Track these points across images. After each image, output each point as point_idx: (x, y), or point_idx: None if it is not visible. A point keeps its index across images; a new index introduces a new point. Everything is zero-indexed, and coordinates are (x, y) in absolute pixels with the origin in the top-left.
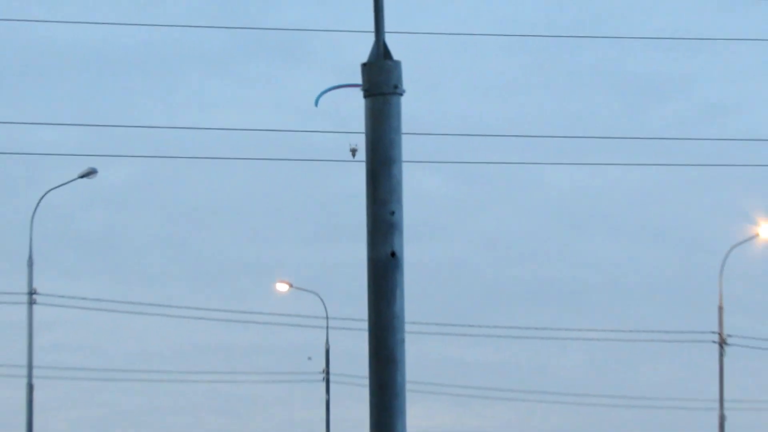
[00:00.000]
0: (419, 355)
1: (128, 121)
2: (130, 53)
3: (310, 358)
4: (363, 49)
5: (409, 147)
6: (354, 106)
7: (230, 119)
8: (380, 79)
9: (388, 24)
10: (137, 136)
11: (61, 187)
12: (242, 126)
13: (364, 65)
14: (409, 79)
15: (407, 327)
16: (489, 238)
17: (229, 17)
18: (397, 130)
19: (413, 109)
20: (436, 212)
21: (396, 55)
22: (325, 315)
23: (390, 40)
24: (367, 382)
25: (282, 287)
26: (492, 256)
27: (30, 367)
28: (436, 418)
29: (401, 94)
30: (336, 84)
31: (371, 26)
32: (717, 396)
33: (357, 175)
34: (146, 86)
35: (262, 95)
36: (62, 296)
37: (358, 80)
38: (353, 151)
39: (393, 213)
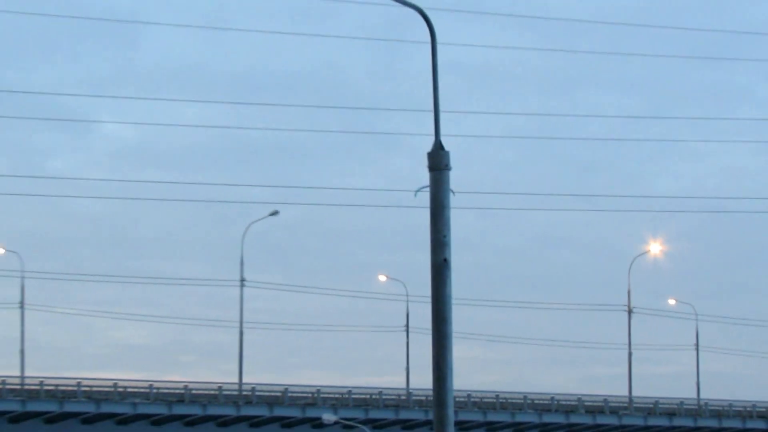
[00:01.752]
0: (462, 316)
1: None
2: (297, 146)
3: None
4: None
5: (453, 199)
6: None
7: (361, 185)
8: (438, 162)
9: (443, 129)
10: (303, 192)
11: (260, 221)
12: (362, 187)
13: (429, 153)
14: (453, 159)
15: (454, 300)
16: (496, 250)
17: (362, 127)
18: (447, 189)
19: (456, 177)
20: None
21: (448, 146)
22: (406, 294)
23: (444, 139)
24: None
25: (382, 277)
26: (496, 260)
27: (241, 322)
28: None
29: (450, 170)
30: (425, 186)
31: (434, 129)
32: (627, 341)
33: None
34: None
35: (375, 170)
36: (261, 282)
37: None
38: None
39: (445, 236)
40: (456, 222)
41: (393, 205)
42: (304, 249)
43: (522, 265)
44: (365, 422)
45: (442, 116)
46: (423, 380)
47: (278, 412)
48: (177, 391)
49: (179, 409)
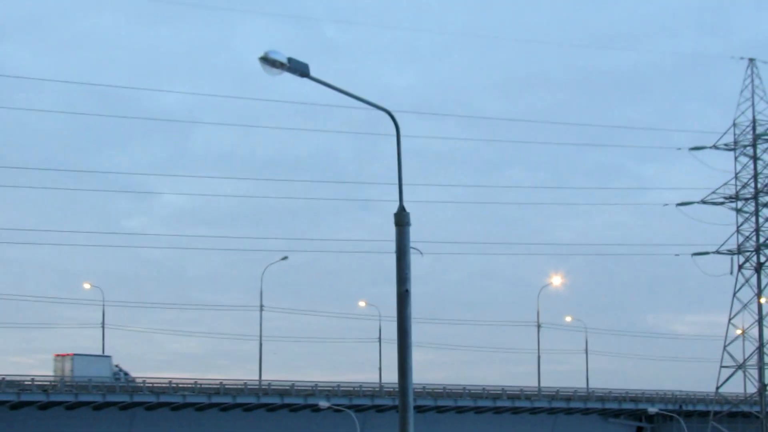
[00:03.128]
0: (420, 330)
1: (305, 236)
2: (304, 209)
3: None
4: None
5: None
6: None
7: (349, 236)
8: (401, 220)
9: (406, 196)
10: (306, 244)
11: (274, 264)
12: (352, 238)
13: (395, 214)
14: (413, 218)
15: (413, 320)
16: (445, 284)
17: (344, 194)
18: (408, 240)
19: (414, 231)
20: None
21: (409, 208)
22: (378, 315)
23: (406, 204)
24: (396, 343)
25: (362, 303)
26: (447, 292)
27: (260, 336)
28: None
29: (410, 225)
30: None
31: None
32: (536, 348)
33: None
34: (312, 223)
35: (359, 227)
36: (278, 308)
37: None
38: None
39: (406, 273)
40: (416, 263)
41: (370, 251)
42: (307, 283)
43: (462, 294)
44: (350, 407)
45: (405, 187)
46: (391, 376)
47: (287, 400)
48: (214, 386)
49: (216, 399)
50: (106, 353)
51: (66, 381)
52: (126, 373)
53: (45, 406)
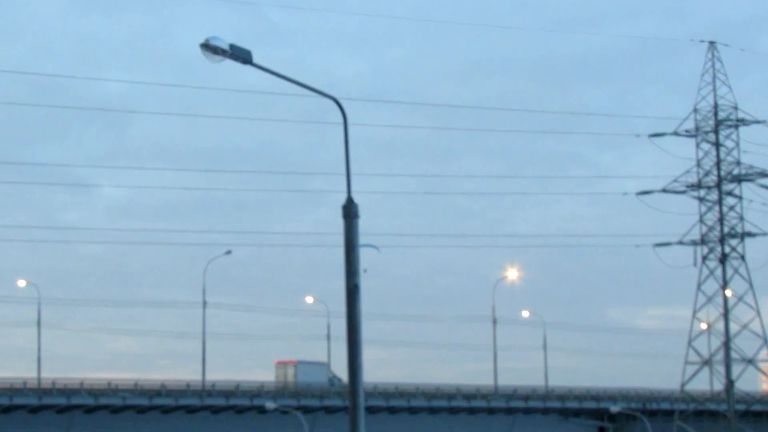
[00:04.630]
0: (370, 327)
1: (249, 229)
2: (249, 201)
3: (365, 271)
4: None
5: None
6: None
7: (293, 229)
8: (349, 212)
9: (354, 187)
10: (253, 236)
11: (217, 258)
12: (298, 231)
13: (342, 206)
14: (362, 210)
15: (363, 315)
16: (397, 278)
17: (289, 185)
18: (357, 233)
19: (363, 224)
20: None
21: (357, 199)
22: (327, 312)
23: (355, 195)
24: (346, 340)
25: (309, 299)
26: (398, 288)
27: (204, 333)
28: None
29: (358, 218)
30: (366, 243)
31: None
32: (492, 344)
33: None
34: (257, 215)
35: (305, 219)
36: (219, 303)
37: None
38: (364, 270)
39: (355, 268)
40: (367, 257)
41: (318, 245)
42: (252, 279)
43: (415, 289)
44: (298, 408)
45: (354, 178)
46: (341, 375)
47: (232, 401)
48: (156, 387)
49: (158, 401)
50: (41, 352)
51: (289, 388)
52: (340, 379)
53: None
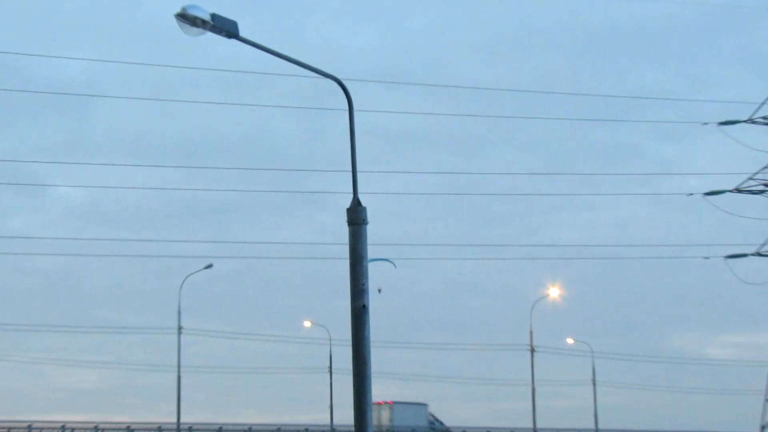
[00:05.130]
0: (381, 357)
1: (234, 239)
2: (239, 205)
3: (379, 291)
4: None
5: (371, 251)
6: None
7: (287, 237)
8: (356, 217)
9: (360, 188)
10: (239, 247)
11: (195, 274)
12: (292, 240)
13: (347, 209)
14: (371, 215)
15: (372, 343)
16: (415, 296)
17: (286, 185)
18: (365, 242)
19: (373, 230)
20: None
21: (364, 203)
22: (329, 338)
23: (362, 197)
24: (352, 374)
25: (306, 323)
26: (416, 305)
27: (179, 366)
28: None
29: (366, 224)
30: (379, 257)
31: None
32: (530, 378)
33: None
34: (246, 224)
35: (302, 225)
36: (197, 329)
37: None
38: (379, 290)
39: (363, 285)
40: (375, 270)
41: (318, 257)
42: (238, 299)
43: (435, 310)
44: None
45: (362, 176)
46: (346, 417)
47: None
48: (121, 430)
49: None
50: None
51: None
52: (441, 422)
53: None
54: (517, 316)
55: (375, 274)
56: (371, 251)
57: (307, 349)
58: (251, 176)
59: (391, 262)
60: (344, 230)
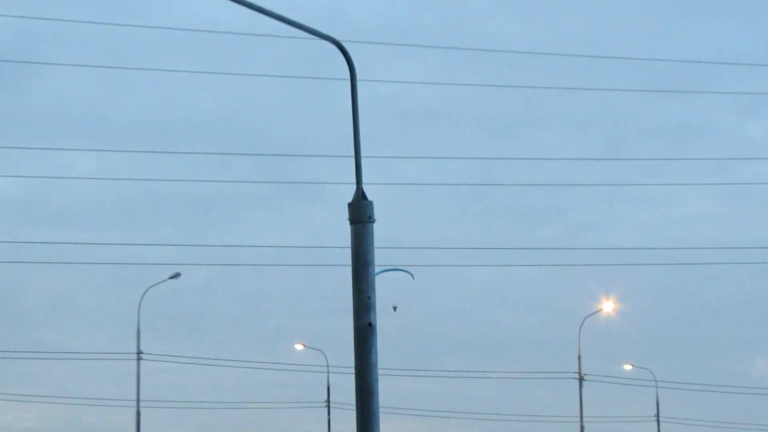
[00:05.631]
0: (390, 389)
1: (207, 241)
2: (210, 198)
3: (395, 309)
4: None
5: (381, 256)
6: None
7: (271, 239)
8: (360, 213)
9: (366, 177)
10: (212, 251)
11: (160, 284)
12: (278, 244)
13: (349, 204)
14: (379, 212)
15: (380, 371)
16: (435, 311)
17: (270, 174)
18: (371, 244)
19: (383, 230)
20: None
21: (370, 197)
22: (326, 365)
23: (367, 188)
24: (355, 408)
25: (298, 346)
26: (436, 322)
27: (138, 400)
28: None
29: (373, 222)
30: (390, 267)
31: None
32: (578, 413)
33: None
34: (219, 219)
35: (293, 225)
36: (161, 354)
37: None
38: (395, 308)
39: (369, 297)
40: (386, 282)
41: (313, 263)
42: (213, 315)
43: (459, 329)
44: None
45: (367, 162)
46: None
47: None
48: None
49: None
50: None
51: None
52: None
53: None
54: (561, 336)
55: (386, 288)
56: (379, 257)
57: (299, 379)
58: (229, 163)
59: (407, 272)
60: (345, 230)
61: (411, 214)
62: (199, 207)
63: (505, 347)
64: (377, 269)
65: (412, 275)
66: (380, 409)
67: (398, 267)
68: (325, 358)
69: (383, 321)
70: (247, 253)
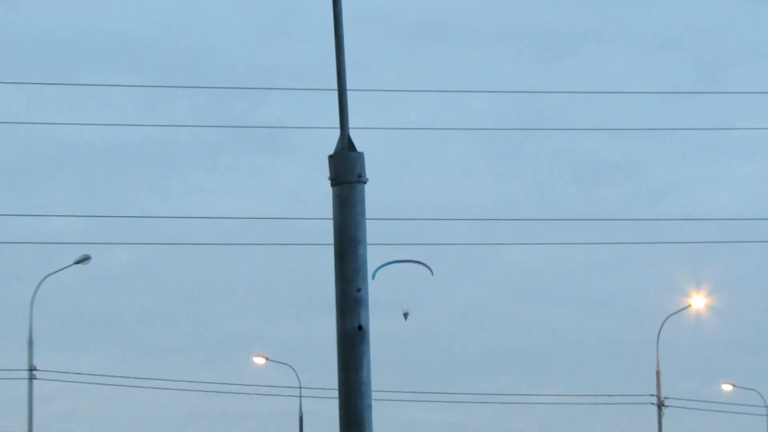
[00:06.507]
0: (391, 419)
1: (129, 211)
2: (133, 150)
3: (406, 316)
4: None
5: (375, 230)
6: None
7: (220, 205)
8: (345, 169)
9: (354, 119)
10: (138, 224)
11: (61, 272)
12: (230, 213)
13: (330, 157)
14: (373, 168)
15: (375, 394)
16: (454, 311)
17: (219, 117)
18: (362, 215)
19: (378, 195)
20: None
21: (360, 147)
22: (298, 385)
23: (355, 135)
24: None
25: (259, 360)
26: (457, 327)
27: (31, 428)
28: None
29: (365, 182)
30: (393, 260)
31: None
32: None
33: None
34: (148, 178)
35: (249, 183)
36: (62, 372)
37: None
38: (405, 315)
39: (359, 290)
40: (391, 277)
41: (279, 242)
42: (137, 316)
43: (491, 334)
44: None
45: (357, 98)
46: None
47: None
48: None
49: None
50: None
51: None
52: None
53: None
54: (632, 344)
55: (392, 283)
56: (373, 231)
57: (261, 405)
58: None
59: (424, 265)
60: (325, 194)
61: (418, 171)
62: (118, 163)
63: (553, 361)
64: (381, 264)
65: (430, 269)
66: None
67: (407, 259)
68: (297, 375)
69: (382, 324)
70: (186, 227)
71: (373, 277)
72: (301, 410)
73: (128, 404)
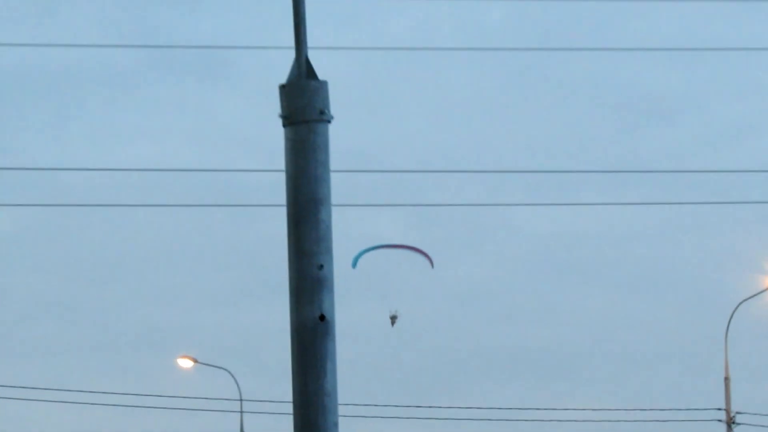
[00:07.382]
0: None
1: (6, 161)
2: (13, 76)
3: (393, 320)
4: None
5: (349, 185)
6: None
7: (134, 153)
8: (302, 103)
9: (316, 38)
10: (21, 179)
11: None
12: (147, 162)
13: (282, 87)
14: (342, 102)
15: (342, 408)
16: (454, 294)
17: (133, 33)
18: (325, 165)
19: (352, 139)
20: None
21: (324, 74)
22: (238, 396)
23: (317, 57)
24: None
25: (185, 363)
26: (459, 316)
27: None
28: None
29: (329, 121)
30: (376, 245)
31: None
32: None
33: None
34: (34, 117)
35: (174, 122)
36: None
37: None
38: (393, 319)
39: (321, 267)
40: (373, 265)
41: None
42: (19, 302)
43: (502, 326)
44: None
45: (317, 9)
46: None
47: None
48: None
49: None
50: None
51: None
52: None
53: None
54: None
55: (376, 270)
56: (339, 189)
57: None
58: (59, 10)
59: (423, 253)
60: (276, 136)
61: (402, 106)
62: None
63: (584, 364)
64: (363, 249)
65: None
66: None
67: (402, 245)
68: (236, 383)
69: (353, 313)
70: (87, 182)
71: (354, 265)
72: (242, 429)
73: (14, 420)
